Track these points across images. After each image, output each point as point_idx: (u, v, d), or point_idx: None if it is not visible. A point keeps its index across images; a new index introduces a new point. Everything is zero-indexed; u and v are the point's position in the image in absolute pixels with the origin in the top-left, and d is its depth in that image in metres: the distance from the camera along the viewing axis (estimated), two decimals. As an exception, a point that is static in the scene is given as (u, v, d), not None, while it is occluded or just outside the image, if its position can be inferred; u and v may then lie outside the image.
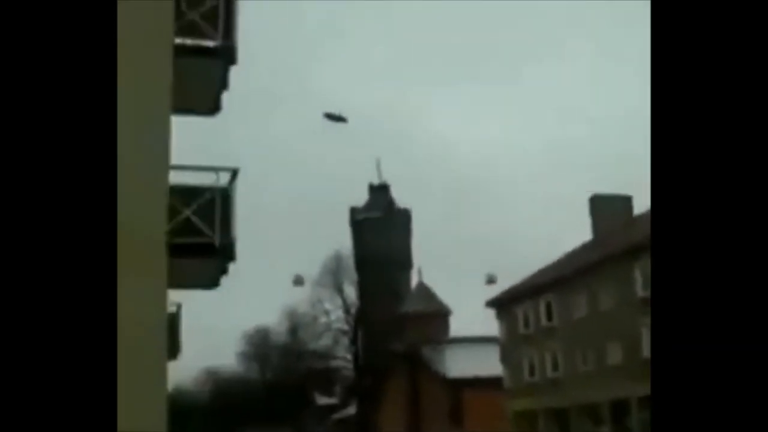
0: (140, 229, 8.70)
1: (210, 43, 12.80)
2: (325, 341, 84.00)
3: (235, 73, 13.55)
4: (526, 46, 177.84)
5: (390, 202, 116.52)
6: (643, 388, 43.40)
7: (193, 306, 20.95)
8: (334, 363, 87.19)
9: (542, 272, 56.56)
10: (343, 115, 35.50)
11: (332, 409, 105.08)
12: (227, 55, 12.94)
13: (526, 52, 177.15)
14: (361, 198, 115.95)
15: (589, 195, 57.85)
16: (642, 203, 55.33)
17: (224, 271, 13.76)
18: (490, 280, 59.33)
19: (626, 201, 56.51)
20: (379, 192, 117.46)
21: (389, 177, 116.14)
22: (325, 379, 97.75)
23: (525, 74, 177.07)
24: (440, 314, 76.12)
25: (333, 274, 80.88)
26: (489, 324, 61.49)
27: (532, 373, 54.95)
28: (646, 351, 44.46)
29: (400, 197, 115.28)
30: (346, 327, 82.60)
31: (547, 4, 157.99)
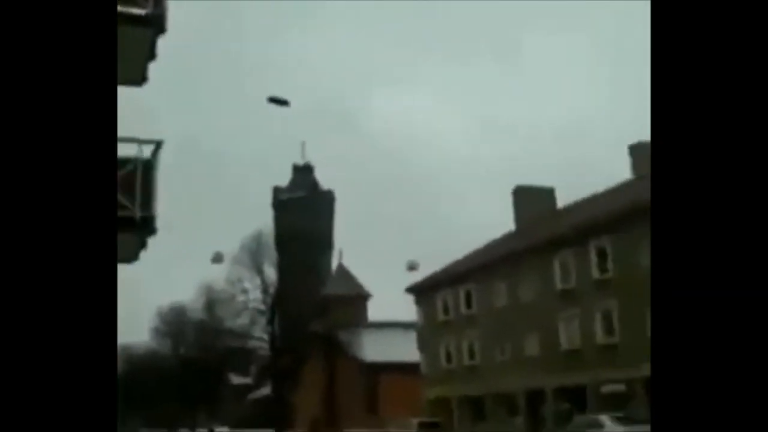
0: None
1: (140, 11, 12.31)
2: (242, 320, 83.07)
3: (162, 44, 13.10)
4: (462, 33, 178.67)
5: (314, 183, 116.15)
6: (559, 379, 43.94)
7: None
8: (251, 343, 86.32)
9: (464, 261, 56.75)
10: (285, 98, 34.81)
11: (247, 389, 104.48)
12: (157, 23, 12.50)
13: (461, 38, 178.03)
14: (286, 177, 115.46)
15: (513, 186, 58.19)
16: (565, 196, 56.04)
17: (143, 245, 13.35)
18: (411, 267, 59.36)
19: (549, 193, 57.04)
20: (303, 173, 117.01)
21: (315, 158, 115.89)
22: (241, 358, 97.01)
23: (460, 61, 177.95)
24: (360, 298, 76.00)
25: (253, 252, 79.89)
26: (408, 310, 61.58)
27: (449, 360, 55.14)
28: (563, 343, 44.95)
29: (325, 179, 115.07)
30: (263, 307, 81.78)
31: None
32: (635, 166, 48.85)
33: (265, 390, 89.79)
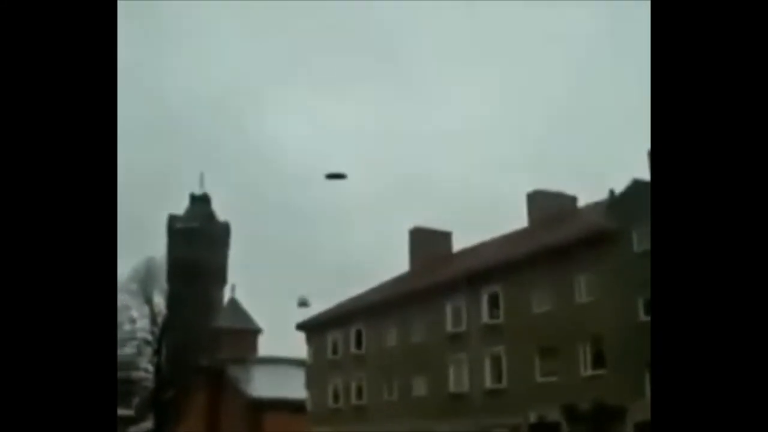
0: None
1: None
2: (128, 350, 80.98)
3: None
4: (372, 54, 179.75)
5: (210, 214, 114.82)
6: (446, 423, 43.87)
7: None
8: (135, 374, 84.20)
9: (356, 299, 56.52)
10: None
11: (129, 421, 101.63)
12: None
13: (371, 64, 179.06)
14: (182, 206, 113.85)
15: (410, 227, 58.44)
16: (461, 240, 56.48)
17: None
18: (303, 303, 58.73)
19: (446, 237, 57.40)
20: (200, 203, 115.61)
21: (213, 188, 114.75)
22: (124, 389, 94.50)
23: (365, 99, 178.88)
24: (250, 332, 74.87)
25: (142, 280, 78.13)
26: (299, 347, 60.96)
27: (336, 399, 54.65)
28: (451, 386, 44.98)
29: (222, 210, 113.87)
30: (150, 337, 79.90)
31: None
32: (531, 213, 49.61)
33: (148, 423, 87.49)
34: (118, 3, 7.15)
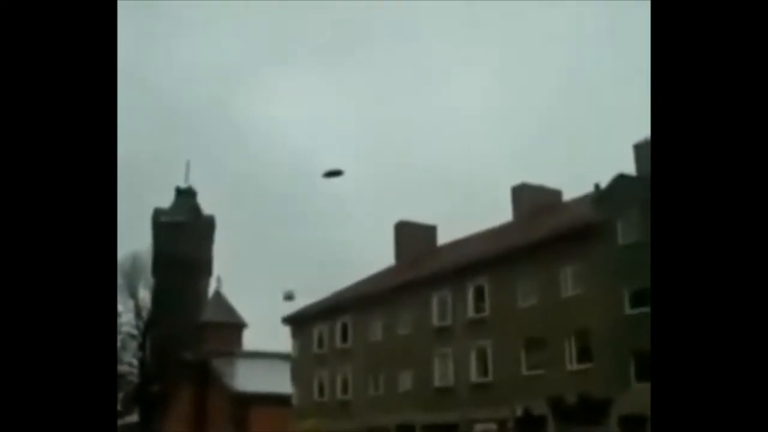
0: None
1: None
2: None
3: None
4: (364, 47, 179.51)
5: (195, 208, 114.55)
6: (430, 417, 43.90)
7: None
8: (120, 368, 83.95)
9: (342, 293, 56.47)
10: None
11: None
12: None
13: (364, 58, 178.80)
14: (168, 199, 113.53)
15: (395, 221, 58.44)
16: (446, 234, 56.51)
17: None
18: (288, 296, 58.60)
19: (431, 230, 57.45)
20: (186, 196, 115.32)
21: (199, 181, 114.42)
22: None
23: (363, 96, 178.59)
24: (235, 326, 74.66)
25: (127, 274, 77.96)
26: (284, 340, 60.86)
27: (321, 393, 54.61)
28: (436, 380, 45.00)
29: (207, 203, 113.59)
30: (135, 331, 79.74)
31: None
32: (516, 206, 49.66)
33: (133, 417, 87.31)
34: (118, 3, 7.15)
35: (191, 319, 77.03)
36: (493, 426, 40.38)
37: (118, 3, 6.98)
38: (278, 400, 58.36)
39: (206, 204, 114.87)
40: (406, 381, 47.47)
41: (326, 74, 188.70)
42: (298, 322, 58.47)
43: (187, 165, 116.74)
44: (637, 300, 33.96)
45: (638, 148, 37.20)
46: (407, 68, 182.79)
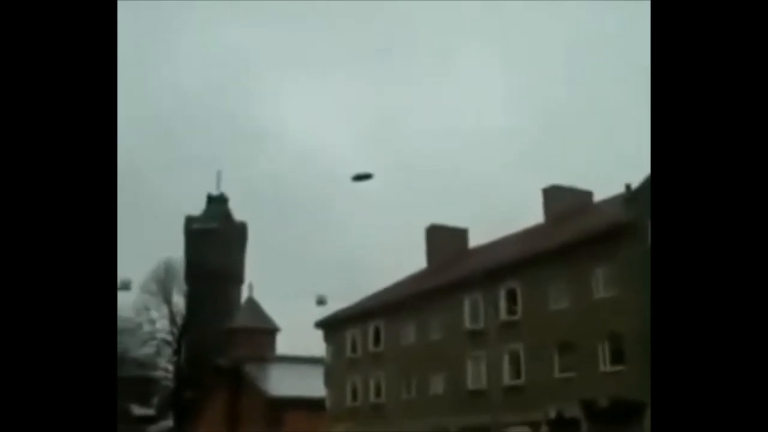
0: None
1: None
2: (147, 350, 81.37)
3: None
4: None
5: (227, 214, 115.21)
6: (463, 420, 43.86)
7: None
8: (155, 373, 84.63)
9: (374, 297, 56.55)
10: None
11: (149, 420, 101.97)
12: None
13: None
14: (199, 207, 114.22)
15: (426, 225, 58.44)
16: (477, 236, 56.47)
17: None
18: (321, 301, 58.79)
19: (462, 233, 57.39)
20: (217, 203, 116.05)
21: (230, 189, 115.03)
22: (144, 389, 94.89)
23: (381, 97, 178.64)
24: (268, 331, 75.02)
25: (162, 281, 78.55)
26: (317, 345, 61.05)
27: (355, 397, 54.67)
28: (469, 383, 44.96)
29: (239, 210, 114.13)
30: (170, 337, 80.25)
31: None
32: (547, 208, 49.53)
33: (168, 422, 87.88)
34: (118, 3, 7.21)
35: (224, 325, 77.50)
36: (526, 429, 40.28)
37: (118, 3, 7.04)
38: (311, 405, 58.54)
39: (237, 210, 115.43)
40: (438, 384, 47.45)
41: (357, 81, 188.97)
42: (331, 326, 58.60)
43: (218, 173, 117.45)
44: (669, 301, 33.72)
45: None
46: (435, 77, 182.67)
